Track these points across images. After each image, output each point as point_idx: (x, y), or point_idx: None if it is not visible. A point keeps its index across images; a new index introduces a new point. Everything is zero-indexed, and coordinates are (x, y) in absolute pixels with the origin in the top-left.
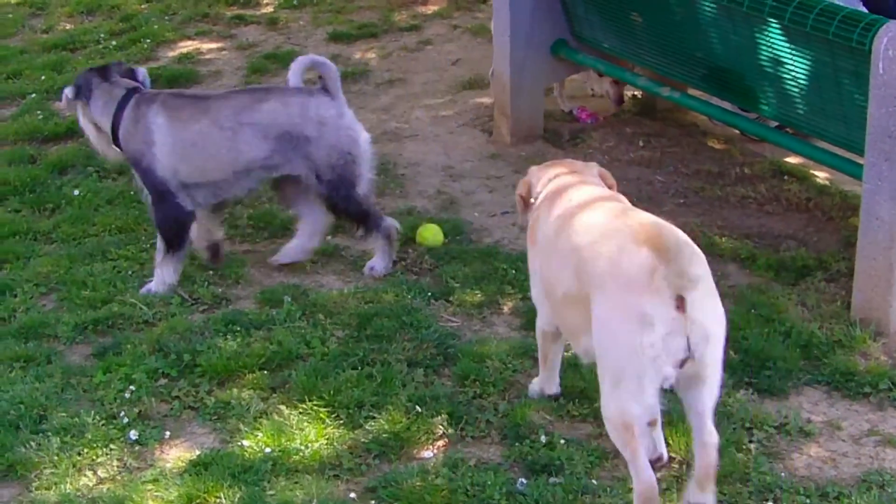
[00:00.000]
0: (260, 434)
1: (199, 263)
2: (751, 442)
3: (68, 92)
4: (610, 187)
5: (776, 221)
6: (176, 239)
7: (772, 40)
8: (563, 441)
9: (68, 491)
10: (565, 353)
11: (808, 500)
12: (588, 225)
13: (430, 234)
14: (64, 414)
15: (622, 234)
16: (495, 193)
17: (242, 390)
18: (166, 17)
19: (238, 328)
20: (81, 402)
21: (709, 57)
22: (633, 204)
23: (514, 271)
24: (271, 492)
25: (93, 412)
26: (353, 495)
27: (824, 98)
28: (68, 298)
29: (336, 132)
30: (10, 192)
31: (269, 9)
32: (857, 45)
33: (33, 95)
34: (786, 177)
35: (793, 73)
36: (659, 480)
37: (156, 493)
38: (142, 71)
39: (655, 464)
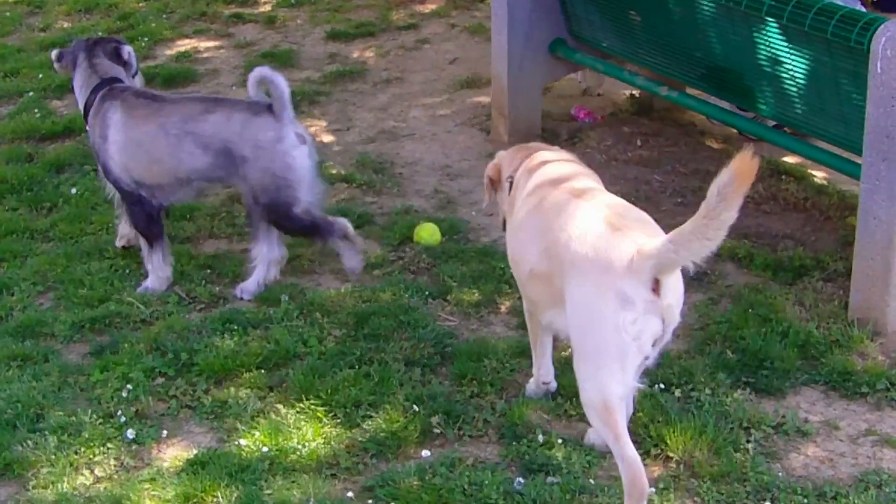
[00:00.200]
0: (257, 433)
1: (196, 263)
2: (748, 442)
3: (54, 55)
4: None
5: (774, 221)
6: (150, 231)
7: (770, 40)
8: (560, 440)
9: (65, 490)
10: (563, 353)
11: (805, 500)
12: (560, 204)
13: (428, 233)
14: (61, 413)
15: (597, 217)
16: None
17: (239, 389)
18: (164, 16)
19: (235, 327)
20: (78, 400)
21: (707, 56)
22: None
23: (511, 271)
24: (268, 491)
25: (90, 411)
26: (350, 494)
27: (822, 98)
28: (65, 297)
29: (271, 156)
30: (7, 191)
31: (267, 7)
32: (856, 45)
33: (31, 94)
34: (784, 176)
35: (791, 73)
36: (655, 480)
37: (153, 492)
38: (127, 49)
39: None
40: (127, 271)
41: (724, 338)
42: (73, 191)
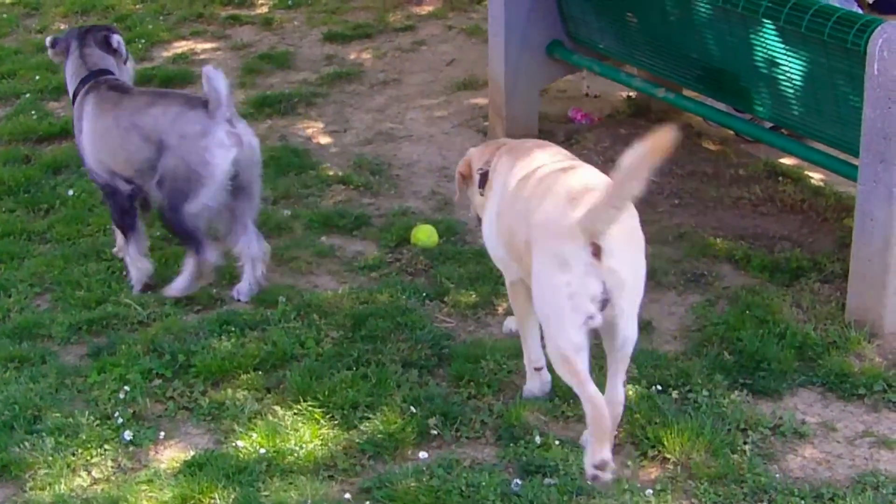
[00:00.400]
0: (254, 435)
1: None
2: (745, 443)
3: (49, 41)
4: None
5: (771, 222)
6: (124, 223)
7: (767, 41)
8: (557, 442)
9: (63, 491)
10: None
11: (802, 502)
12: (538, 180)
13: (425, 234)
14: (58, 414)
15: (559, 189)
16: None
17: (237, 391)
18: (161, 18)
19: (232, 328)
20: (76, 402)
21: (704, 58)
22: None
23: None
24: (266, 492)
25: (87, 412)
26: (347, 496)
27: (819, 99)
28: (63, 299)
29: (191, 148)
30: (4, 193)
31: (264, 9)
32: (852, 47)
33: (27, 95)
34: (780, 178)
35: (788, 75)
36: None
37: (150, 494)
38: (116, 38)
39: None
40: (124, 273)
41: (721, 339)
42: (70, 192)
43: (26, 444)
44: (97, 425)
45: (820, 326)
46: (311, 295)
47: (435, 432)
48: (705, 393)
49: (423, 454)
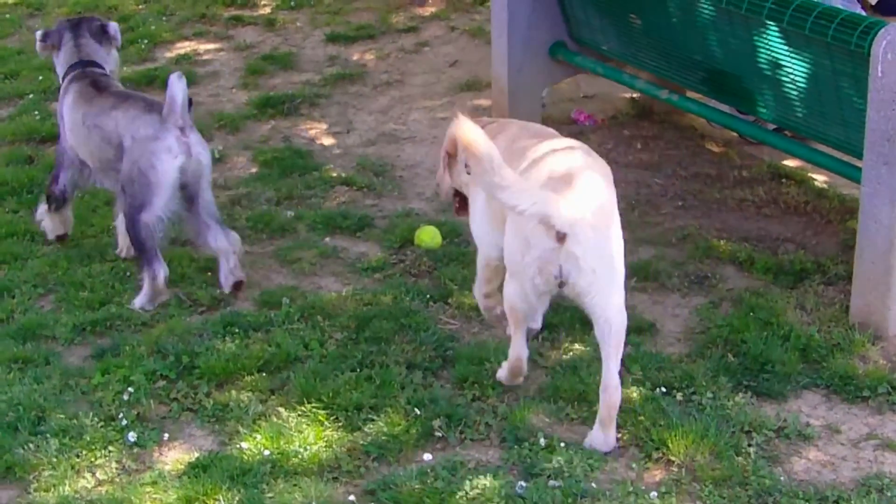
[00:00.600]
0: (258, 436)
1: (197, 266)
2: (749, 445)
3: (39, 35)
4: None
5: (774, 224)
6: (51, 196)
7: (770, 43)
8: (562, 444)
9: (67, 493)
10: (565, 356)
11: None
12: (523, 155)
13: (429, 236)
14: (62, 415)
15: (537, 173)
16: None
17: (241, 392)
18: (164, 18)
19: (236, 330)
20: (80, 403)
21: (707, 59)
22: (632, 207)
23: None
24: (270, 494)
25: (91, 414)
26: (351, 498)
27: (823, 101)
28: (66, 300)
29: (141, 151)
30: (7, 193)
31: (267, 10)
32: (856, 49)
33: (31, 96)
34: (784, 180)
35: (791, 76)
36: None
37: (154, 496)
38: (113, 25)
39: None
40: (128, 274)
41: (725, 341)
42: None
43: (30, 445)
44: (101, 427)
45: (824, 329)
46: (314, 296)
47: (439, 434)
48: (709, 395)
49: (427, 456)
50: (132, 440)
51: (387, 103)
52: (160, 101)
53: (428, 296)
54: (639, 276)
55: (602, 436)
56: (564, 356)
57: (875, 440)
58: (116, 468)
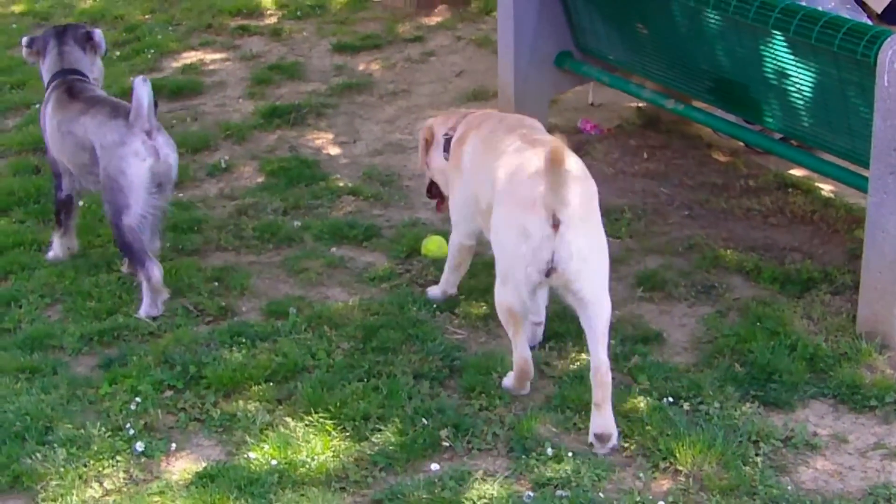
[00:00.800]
0: (266, 446)
1: (203, 275)
2: (757, 455)
3: (25, 41)
4: None
5: (781, 234)
6: (59, 212)
7: (777, 53)
8: (569, 454)
9: (74, 503)
10: (572, 366)
11: None
12: (503, 146)
13: (436, 245)
14: (70, 425)
15: (523, 158)
16: None
17: (248, 402)
18: (170, 28)
19: (243, 340)
20: (87, 413)
21: (714, 69)
22: (639, 216)
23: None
24: None
25: (99, 424)
26: None
27: (829, 110)
28: (73, 309)
29: (110, 157)
30: (14, 203)
31: (273, 20)
32: (862, 58)
33: (37, 106)
34: (791, 189)
35: (798, 86)
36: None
37: None
38: (97, 33)
39: (530, 342)
40: (135, 284)
41: (732, 351)
42: (80, 203)
43: (38, 455)
44: (109, 437)
45: (831, 338)
46: (321, 306)
47: (446, 444)
48: (717, 405)
49: (434, 466)
50: (139, 450)
51: (393, 113)
52: (127, 104)
53: (434, 306)
54: (646, 285)
55: (601, 419)
56: (571, 366)
57: (882, 450)
58: (124, 478)
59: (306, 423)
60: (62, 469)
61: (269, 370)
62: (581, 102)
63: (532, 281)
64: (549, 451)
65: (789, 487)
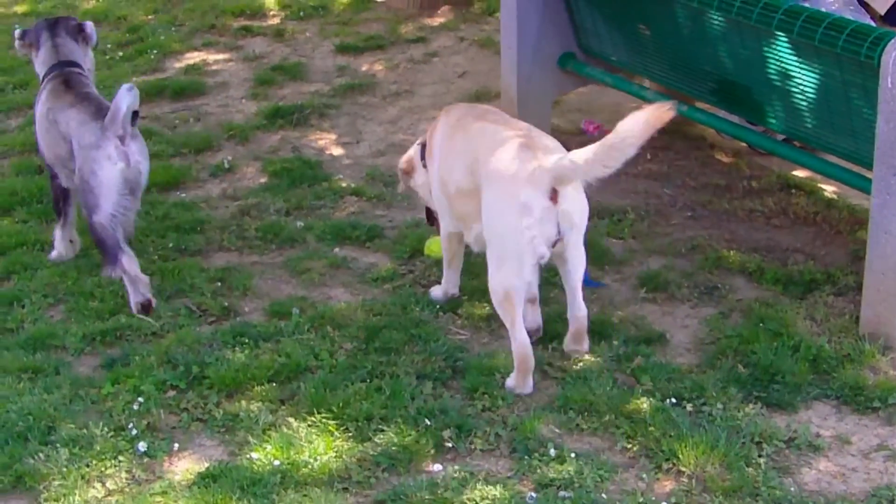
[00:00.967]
0: (268, 446)
1: (206, 276)
2: (760, 456)
3: (17, 34)
4: None
5: (784, 235)
6: (58, 207)
7: (780, 54)
8: (572, 455)
9: (77, 503)
10: (574, 366)
11: None
12: (481, 130)
13: (438, 246)
14: (72, 425)
15: (509, 138)
16: None
17: (251, 402)
18: (173, 28)
19: (246, 340)
20: (90, 413)
21: (717, 70)
22: (642, 217)
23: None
24: None
25: (101, 424)
26: None
27: (832, 112)
28: (76, 309)
29: (84, 158)
30: (17, 203)
31: (276, 20)
32: (866, 60)
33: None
34: (794, 190)
35: (801, 87)
36: (667, 495)
37: None
38: (89, 25)
39: (534, 334)
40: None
41: (735, 352)
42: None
43: (40, 455)
44: (111, 437)
45: (834, 339)
46: (324, 307)
47: (449, 445)
48: (720, 406)
49: (437, 467)
50: (142, 450)
51: (396, 114)
52: (107, 105)
53: (437, 306)
54: (648, 286)
55: (575, 346)
56: (574, 367)
57: (885, 451)
58: (126, 478)
59: (309, 423)
60: (64, 469)
61: (271, 370)
62: (584, 103)
63: (539, 254)
64: (552, 451)
65: (792, 489)
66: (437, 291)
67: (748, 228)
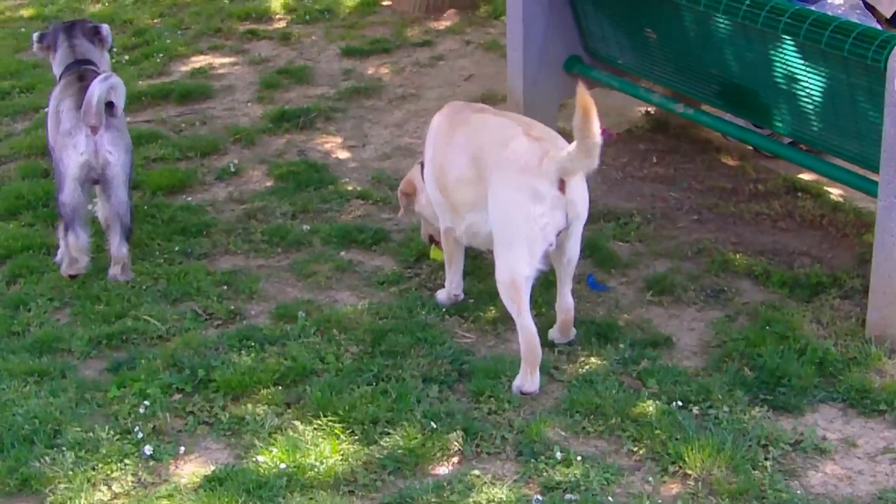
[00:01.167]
0: (274, 450)
1: (212, 279)
2: (766, 459)
3: (35, 37)
4: None
5: (790, 238)
6: (63, 214)
7: (786, 57)
8: (578, 458)
9: None
10: (581, 370)
11: None
12: (483, 122)
13: None
14: (78, 429)
15: (515, 129)
16: None
17: (257, 406)
18: (179, 32)
19: (252, 343)
20: (96, 416)
21: (723, 74)
22: (648, 220)
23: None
24: None
25: (107, 427)
26: None
27: (839, 115)
28: (82, 313)
29: (62, 143)
30: (23, 206)
31: (282, 24)
32: (872, 63)
33: (46, 109)
34: (800, 193)
35: (807, 91)
36: (673, 498)
37: None
38: (105, 27)
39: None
40: (144, 287)
41: (741, 355)
42: (89, 207)
43: (46, 458)
44: (117, 440)
45: (840, 342)
46: (330, 310)
47: (455, 448)
48: (726, 409)
49: (443, 470)
50: (148, 453)
51: (402, 117)
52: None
53: (443, 309)
54: (654, 289)
55: (562, 337)
56: (580, 370)
57: (892, 454)
58: (132, 481)
59: (315, 426)
60: (70, 472)
61: (277, 374)
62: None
63: (549, 240)
64: (558, 454)
65: (798, 491)
66: (442, 295)
67: (754, 231)
